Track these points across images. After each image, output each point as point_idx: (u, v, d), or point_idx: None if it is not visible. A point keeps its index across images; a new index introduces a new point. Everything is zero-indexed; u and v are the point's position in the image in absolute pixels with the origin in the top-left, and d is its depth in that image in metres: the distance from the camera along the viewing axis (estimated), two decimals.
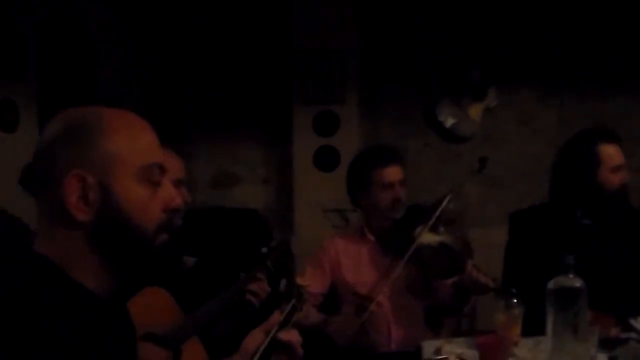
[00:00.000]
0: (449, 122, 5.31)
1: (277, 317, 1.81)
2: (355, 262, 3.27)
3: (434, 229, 3.10)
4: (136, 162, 1.31)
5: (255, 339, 1.76)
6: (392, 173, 3.20)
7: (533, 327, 2.38)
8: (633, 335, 2.45)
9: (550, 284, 2.02)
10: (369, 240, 3.28)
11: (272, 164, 5.61)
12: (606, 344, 2.31)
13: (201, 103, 5.68)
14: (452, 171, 5.32)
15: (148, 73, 5.67)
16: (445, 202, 3.11)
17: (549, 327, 2.02)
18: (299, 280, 2.53)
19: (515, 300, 2.49)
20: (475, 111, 5.29)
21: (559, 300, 1.99)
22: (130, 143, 1.31)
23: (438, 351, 2.45)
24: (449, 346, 2.48)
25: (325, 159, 5.17)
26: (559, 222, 3.05)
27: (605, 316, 2.49)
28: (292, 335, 1.75)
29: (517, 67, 5.35)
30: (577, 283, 2.01)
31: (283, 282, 2.70)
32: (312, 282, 3.22)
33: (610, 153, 2.99)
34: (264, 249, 2.89)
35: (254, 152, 5.64)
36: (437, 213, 3.09)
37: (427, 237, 3.06)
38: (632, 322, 2.54)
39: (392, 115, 5.46)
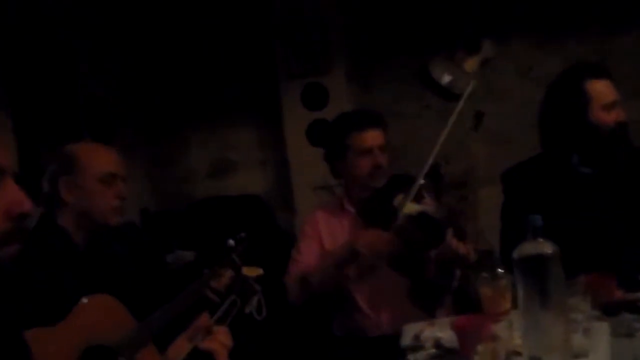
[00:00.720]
0: (445, 79, 5.05)
1: (202, 321, 1.62)
2: (335, 236, 3.08)
3: (416, 198, 2.88)
4: None
5: (179, 347, 1.58)
6: (371, 137, 2.99)
7: None
8: None
9: (515, 253, 1.75)
10: (349, 212, 3.08)
11: (267, 145, 5.42)
12: (610, 308, 2.08)
13: (186, 93, 5.49)
14: (454, 131, 5.05)
15: (127, 70, 5.50)
16: (426, 168, 2.89)
17: (519, 302, 1.76)
18: (245, 271, 2.34)
19: (500, 271, 2.25)
20: (471, 65, 5.01)
21: (525, 271, 1.72)
22: None
23: (417, 337, 2.23)
24: (429, 330, 2.27)
25: (318, 134, 4.93)
26: (554, 174, 2.81)
27: (606, 278, 2.23)
28: (214, 343, 1.56)
29: (511, 14, 5.05)
30: (546, 249, 1.72)
31: (227, 273, 2.48)
32: (309, 255, 3.09)
33: (600, 89, 2.73)
34: (231, 241, 2.67)
35: (248, 136, 5.46)
36: (419, 180, 2.87)
37: (408, 207, 2.84)
38: None
39: (385, 80, 5.21)
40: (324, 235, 3.09)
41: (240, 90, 5.38)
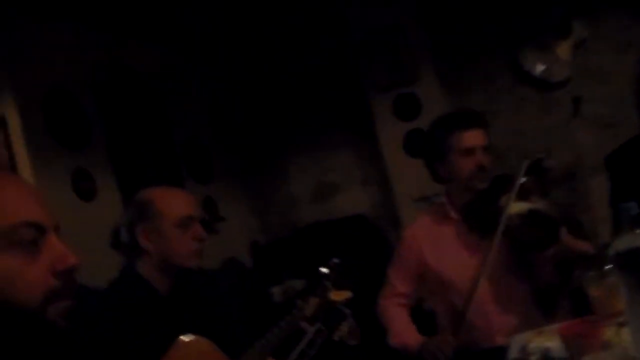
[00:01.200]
0: (538, 69, 4.84)
1: None
2: (439, 247, 2.94)
3: (522, 196, 2.73)
4: None
5: None
6: (473, 137, 2.84)
7: None
8: None
9: (612, 247, 1.54)
10: (452, 219, 2.93)
11: (366, 163, 5.36)
12: None
13: (279, 123, 5.53)
14: (555, 121, 4.85)
15: (216, 108, 5.60)
16: (526, 164, 2.75)
17: (624, 302, 1.55)
18: (333, 296, 2.24)
19: (608, 267, 1.98)
20: (564, 50, 4.78)
21: (624, 267, 1.51)
22: None
23: (524, 349, 2.06)
24: (537, 340, 2.06)
25: (416, 144, 4.82)
26: None
27: None
28: None
29: None
30: None
31: (312, 300, 2.35)
32: (396, 280, 3.01)
33: None
34: (324, 269, 2.57)
35: (345, 156, 5.42)
36: (521, 176, 2.72)
37: (515, 207, 2.69)
38: None
39: (476, 79, 5.07)
40: (425, 249, 2.96)
41: (332, 112, 5.38)
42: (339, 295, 2.29)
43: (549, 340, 2.03)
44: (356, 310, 2.50)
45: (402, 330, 2.94)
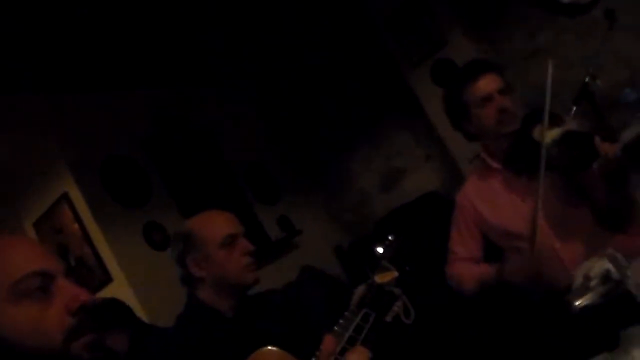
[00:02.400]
0: None
1: (326, 345, 1.54)
2: (491, 200, 2.85)
3: (556, 123, 2.62)
4: (4, 284, 1.19)
5: None
6: (484, 84, 2.75)
7: None
8: None
9: (620, 140, 1.45)
10: (496, 169, 2.85)
11: (423, 139, 5.28)
12: None
13: (331, 125, 5.53)
14: (598, 42, 4.63)
15: (268, 130, 5.65)
16: (548, 92, 2.64)
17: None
18: (378, 279, 2.18)
19: None
20: None
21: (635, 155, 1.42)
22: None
23: (587, 277, 1.93)
24: (598, 264, 1.94)
25: None
26: None
27: None
28: None
29: None
30: None
31: (360, 288, 2.28)
32: (458, 246, 2.93)
33: None
34: (379, 249, 2.52)
35: (403, 139, 5.37)
36: (547, 104, 2.62)
37: (550, 135, 2.59)
38: None
39: (508, 24, 4.90)
40: (479, 206, 2.88)
41: (377, 99, 5.35)
42: (383, 277, 2.24)
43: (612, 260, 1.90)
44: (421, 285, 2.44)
45: (473, 270, 2.85)
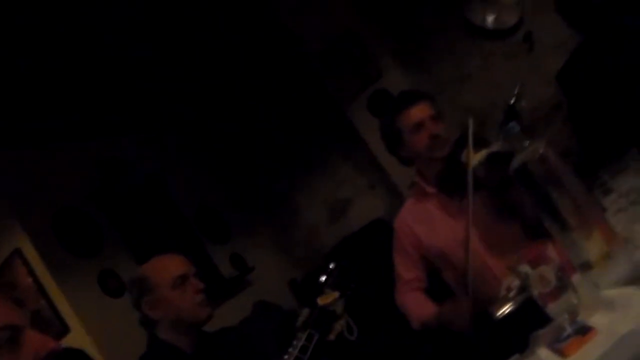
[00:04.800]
0: (489, 20, 4.85)
1: None
2: (428, 223, 2.99)
3: (481, 145, 2.79)
4: None
5: None
6: (417, 111, 2.93)
7: None
8: None
9: (511, 166, 1.64)
10: (431, 193, 3.01)
11: (365, 167, 5.42)
12: None
13: (276, 161, 5.67)
14: (524, 62, 4.86)
15: (213, 171, 5.76)
16: (470, 119, 2.81)
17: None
18: (320, 301, 2.32)
19: None
20: None
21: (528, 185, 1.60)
22: None
23: (508, 288, 2.10)
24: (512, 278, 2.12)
25: None
26: (606, 46, 2.63)
27: None
28: None
29: None
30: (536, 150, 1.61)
31: (304, 312, 2.43)
32: (402, 270, 3.07)
33: None
34: (322, 277, 2.66)
35: (346, 169, 5.50)
36: (470, 127, 2.79)
37: (476, 157, 2.75)
38: None
39: (437, 52, 5.10)
40: (416, 229, 3.02)
41: (318, 133, 5.50)
42: (325, 299, 2.38)
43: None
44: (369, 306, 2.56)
45: (418, 308, 2.98)
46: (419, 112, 2.94)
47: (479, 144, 2.78)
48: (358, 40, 5.03)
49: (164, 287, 2.51)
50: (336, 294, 2.41)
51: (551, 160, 1.61)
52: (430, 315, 2.88)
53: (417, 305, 3.00)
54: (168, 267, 2.59)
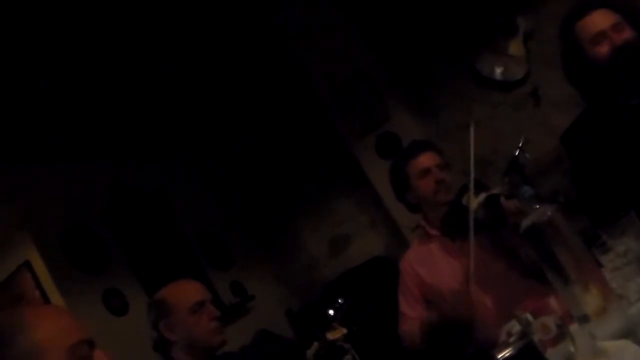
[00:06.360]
0: (497, 72, 5.02)
1: None
2: (431, 265, 3.14)
3: (480, 190, 2.93)
4: (62, 345, 1.44)
5: None
6: (424, 159, 3.14)
7: None
8: None
9: (522, 225, 1.77)
10: (435, 236, 3.16)
11: (368, 206, 5.57)
12: None
13: (281, 194, 5.83)
14: (530, 115, 5.02)
15: (219, 198, 5.91)
16: (472, 161, 2.95)
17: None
18: (329, 336, 2.45)
19: None
20: (516, 48, 4.97)
21: (533, 238, 1.73)
22: (51, 330, 1.44)
23: (509, 333, 2.21)
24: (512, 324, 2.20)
25: None
26: (607, 117, 2.74)
27: None
28: None
29: None
30: (542, 216, 1.72)
31: (314, 345, 2.57)
32: (406, 308, 3.18)
33: (583, 26, 2.66)
34: (330, 311, 2.80)
35: (349, 206, 5.65)
36: (472, 173, 2.93)
37: (475, 200, 2.89)
38: None
39: (445, 98, 5.27)
40: (420, 271, 3.16)
41: (325, 170, 5.67)
42: (334, 334, 2.51)
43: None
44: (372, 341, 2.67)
45: (416, 317, 3.08)
46: (427, 159, 3.14)
47: (480, 188, 2.93)
48: (369, 82, 5.19)
49: (183, 311, 2.65)
50: (344, 330, 2.54)
51: (558, 222, 1.74)
52: (430, 314, 2.96)
53: (416, 318, 3.10)
54: (188, 292, 2.75)
